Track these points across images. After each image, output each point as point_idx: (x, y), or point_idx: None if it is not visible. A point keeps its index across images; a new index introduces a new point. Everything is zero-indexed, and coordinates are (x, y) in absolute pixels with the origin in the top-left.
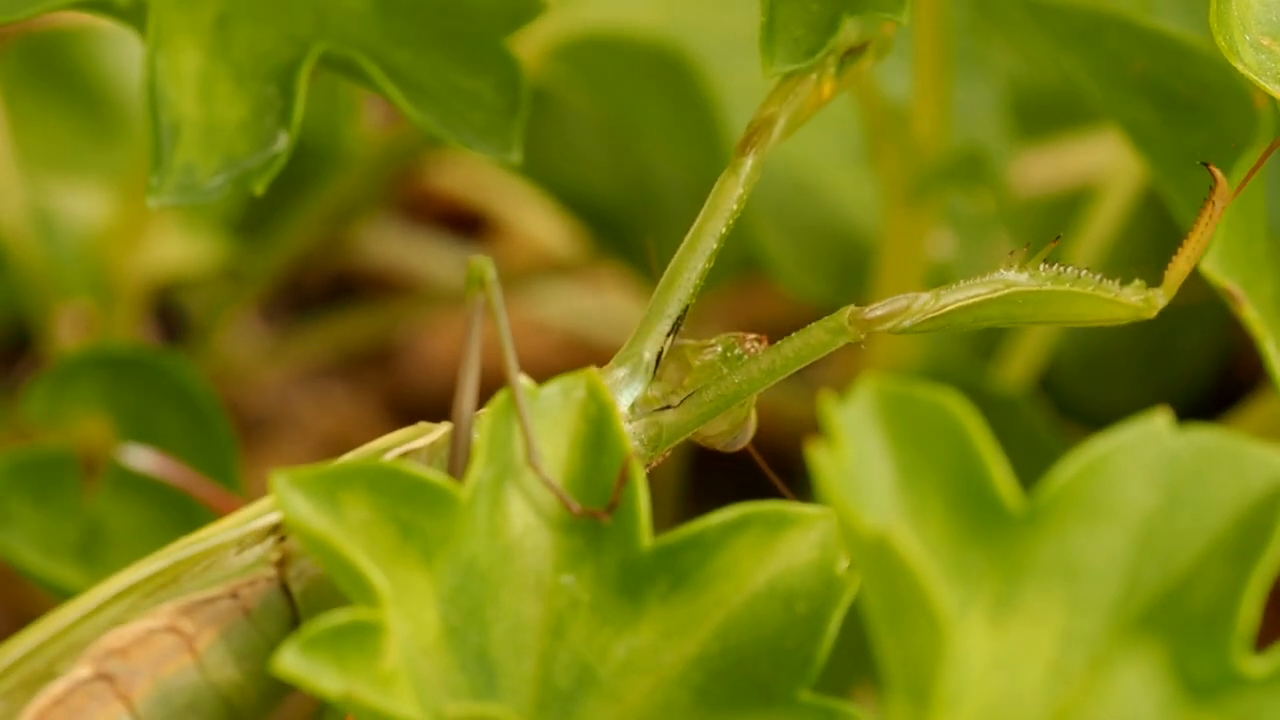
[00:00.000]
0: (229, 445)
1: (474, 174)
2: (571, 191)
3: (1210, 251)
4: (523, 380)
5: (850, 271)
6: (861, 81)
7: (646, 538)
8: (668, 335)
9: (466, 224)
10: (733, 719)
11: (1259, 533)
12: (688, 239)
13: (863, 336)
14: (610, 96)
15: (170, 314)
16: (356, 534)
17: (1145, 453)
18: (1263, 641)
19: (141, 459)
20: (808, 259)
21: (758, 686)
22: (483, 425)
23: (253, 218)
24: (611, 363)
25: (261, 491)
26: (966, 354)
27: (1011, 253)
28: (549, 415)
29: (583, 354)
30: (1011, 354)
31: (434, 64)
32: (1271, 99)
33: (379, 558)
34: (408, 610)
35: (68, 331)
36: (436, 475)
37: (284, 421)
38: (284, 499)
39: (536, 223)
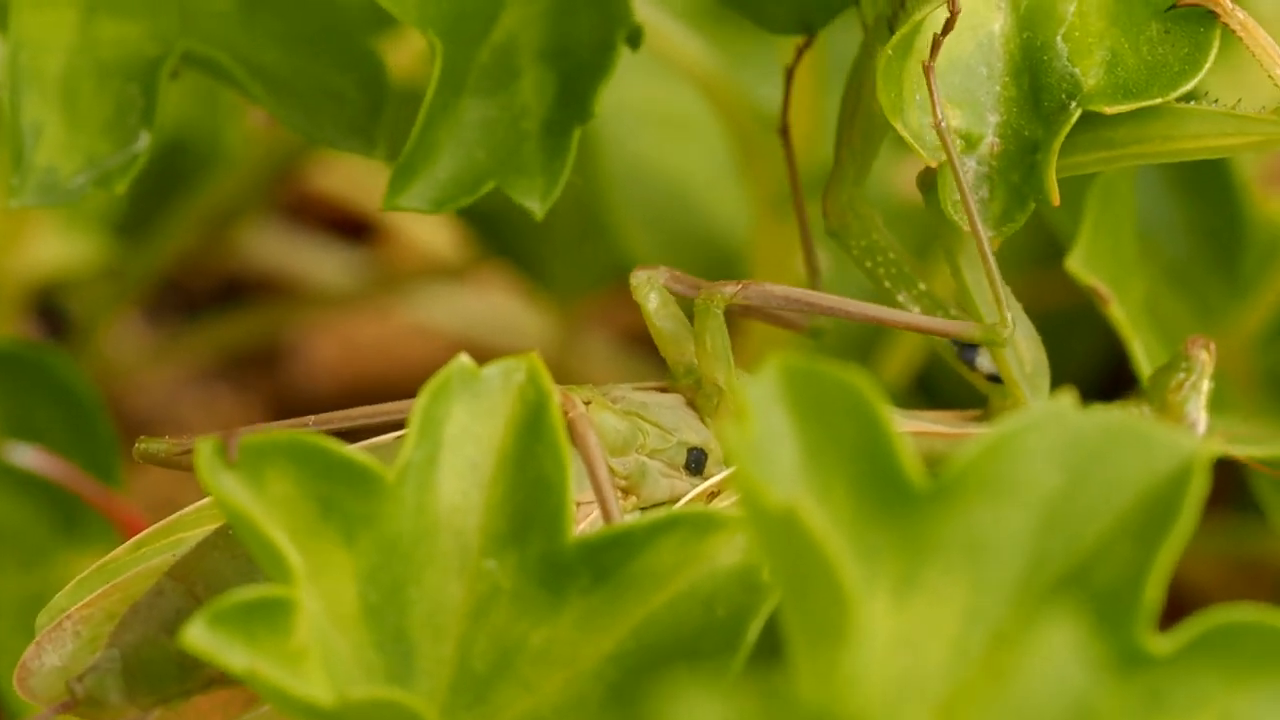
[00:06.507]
0: (111, 445)
1: (358, 176)
2: None
3: (1077, 251)
4: (463, 359)
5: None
6: None
7: (569, 533)
8: None
9: (351, 226)
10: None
11: (1165, 512)
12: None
13: None
14: None
15: (51, 315)
16: (277, 508)
17: (1050, 432)
18: (1168, 620)
19: (25, 457)
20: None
21: None
22: (417, 405)
23: (134, 218)
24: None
25: (143, 494)
26: (842, 352)
27: None
28: (487, 398)
29: (473, 357)
30: (889, 354)
31: (299, 62)
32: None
33: (298, 533)
34: (324, 587)
35: None
36: (363, 455)
37: (168, 423)
38: (206, 469)
39: (420, 225)
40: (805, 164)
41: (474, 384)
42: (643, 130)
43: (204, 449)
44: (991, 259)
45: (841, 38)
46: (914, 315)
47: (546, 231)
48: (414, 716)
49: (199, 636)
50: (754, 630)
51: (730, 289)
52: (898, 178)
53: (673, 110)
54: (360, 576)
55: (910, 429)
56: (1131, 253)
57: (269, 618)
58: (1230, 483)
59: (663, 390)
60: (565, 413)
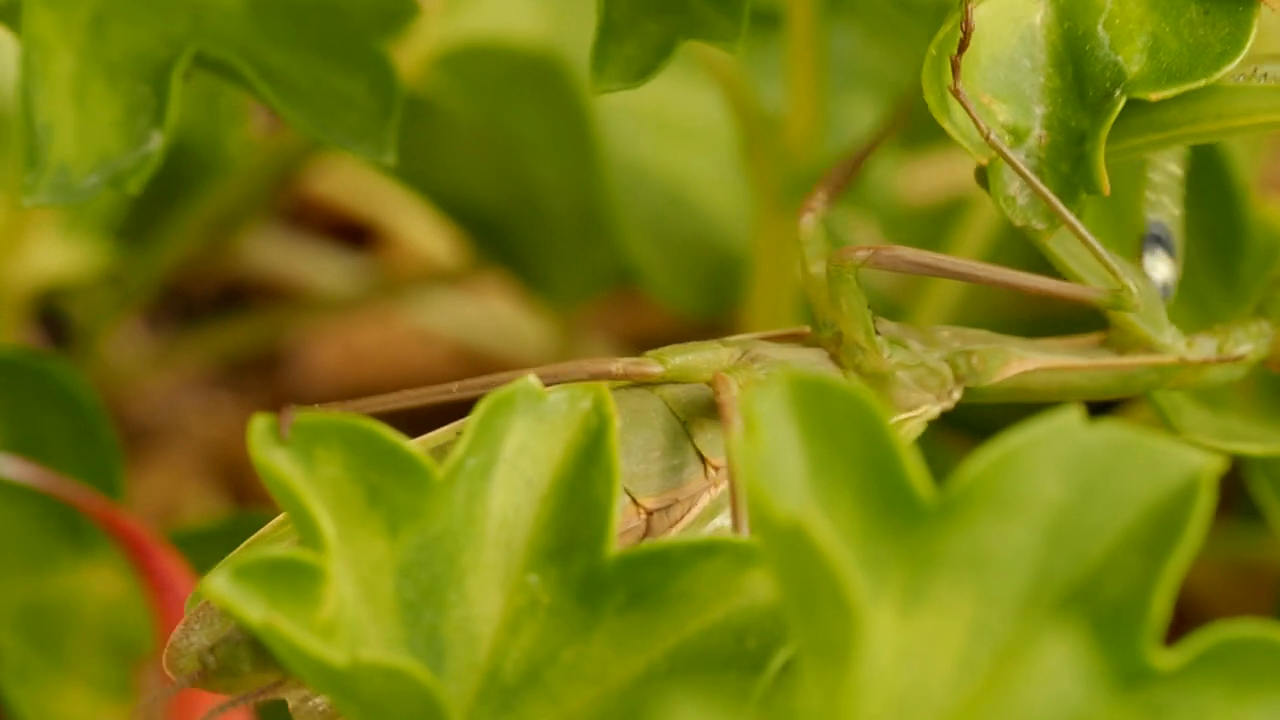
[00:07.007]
0: (113, 452)
1: (358, 182)
2: (454, 199)
3: None
4: (530, 379)
5: (724, 282)
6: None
7: (612, 547)
8: None
9: (352, 232)
10: None
11: (1172, 527)
12: None
13: None
14: (491, 105)
15: (53, 321)
16: (325, 488)
17: (1057, 446)
18: (1174, 635)
19: (15, 469)
20: (681, 270)
21: None
22: (474, 414)
23: (135, 223)
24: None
25: (145, 500)
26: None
27: None
28: (550, 420)
29: (473, 364)
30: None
31: (308, 65)
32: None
33: (343, 518)
34: (362, 574)
35: None
36: (415, 447)
37: (169, 430)
38: (256, 444)
39: (420, 231)
40: (804, 164)
41: (539, 405)
42: (642, 134)
43: (258, 424)
44: (1084, 230)
45: (842, 37)
46: (1042, 280)
47: (546, 237)
48: (428, 695)
49: (220, 585)
50: (779, 660)
51: (861, 254)
52: (899, 181)
53: (672, 113)
54: (399, 570)
55: (1044, 364)
56: (1130, 255)
57: (292, 580)
58: (1231, 488)
59: (803, 343)
60: (718, 394)
